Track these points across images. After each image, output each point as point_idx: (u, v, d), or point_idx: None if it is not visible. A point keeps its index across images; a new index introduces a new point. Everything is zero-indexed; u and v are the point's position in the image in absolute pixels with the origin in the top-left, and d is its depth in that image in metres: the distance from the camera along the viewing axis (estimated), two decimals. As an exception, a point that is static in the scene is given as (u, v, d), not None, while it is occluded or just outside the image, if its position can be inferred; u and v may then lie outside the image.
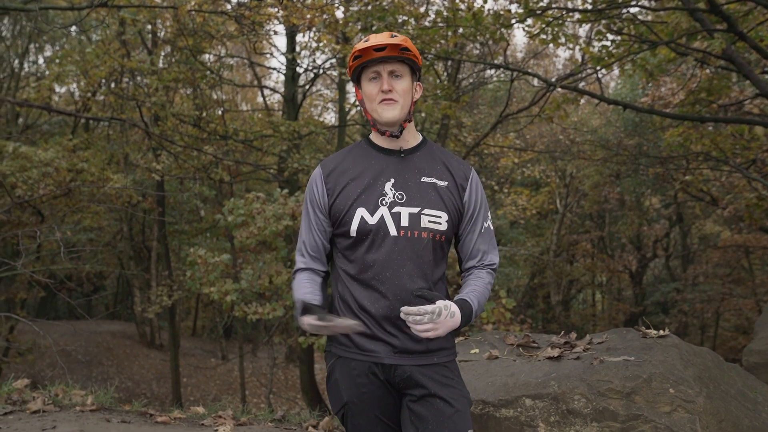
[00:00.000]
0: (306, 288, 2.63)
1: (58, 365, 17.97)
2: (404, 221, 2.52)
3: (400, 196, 2.55)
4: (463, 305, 2.51)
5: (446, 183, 2.63)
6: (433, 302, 2.42)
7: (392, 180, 2.58)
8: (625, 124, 18.92)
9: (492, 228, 2.76)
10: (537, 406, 3.50)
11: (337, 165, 2.67)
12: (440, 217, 2.57)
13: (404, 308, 2.37)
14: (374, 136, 2.71)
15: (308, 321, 2.40)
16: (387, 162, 2.63)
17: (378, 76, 2.57)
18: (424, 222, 2.54)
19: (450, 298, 2.71)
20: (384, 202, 2.54)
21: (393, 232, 2.51)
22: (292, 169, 15.34)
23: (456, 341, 4.68)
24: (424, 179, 2.61)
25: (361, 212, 2.53)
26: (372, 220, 2.52)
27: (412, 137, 2.70)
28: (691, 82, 11.19)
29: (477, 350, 4.39)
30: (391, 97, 2.55)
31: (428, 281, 2.56)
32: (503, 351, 4.30)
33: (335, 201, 2.59)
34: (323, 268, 2.73)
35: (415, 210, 2.54)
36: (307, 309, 2.47)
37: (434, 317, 2.36)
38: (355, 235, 2.54)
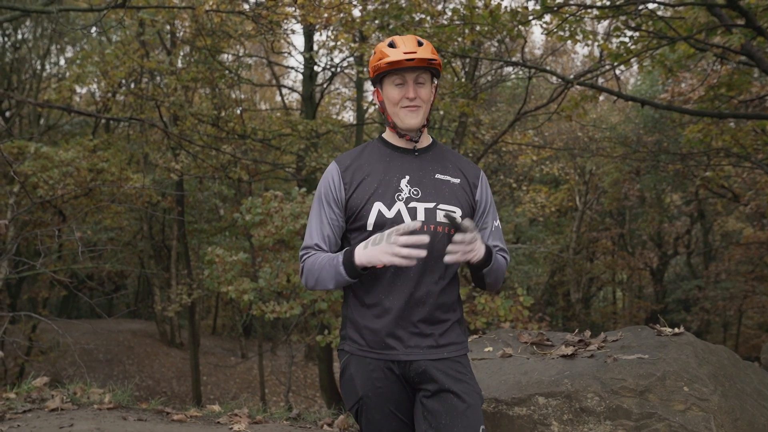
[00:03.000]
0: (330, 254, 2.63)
1: (78, 364, 18.15)
2: (420, 215, 2.56)
3: (415, 192, 2.59)
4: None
5: (459, 180, 2.69)
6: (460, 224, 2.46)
7: (407, 177, 2.62)
8: (645, 121, 18.78)
9: (500, 228, 2.80)
10: (550, 404, 3.49)
11: (352, 161, 2.70)
12: (455, 212, 2.60)
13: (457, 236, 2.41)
14: (389, 136, 2.75)
15: (398, 237, 2.36)
16: (402, 160, 2.68)
17: (404, 82, 2.60)
18: (440, 216, 2.58)
19: (461, 301, 2.73)
20: (400, 197, 2.58)
21: None
22: (310, 168, 15.38)
23: (470, 339, 4.68)
24: (439, 176, 2.66)
25: (378, 206, 2.56)
26: (389, 214, 2.55)
27: (425, 138, 2.76)
28: (711, 78, 11.08)
29: (491, 348, 4.38)
30: (416, 104, 2.61)
31: (443, 276, 2.59)
32: (517, 349, 4.29)
33: (352, 195, 2.61)
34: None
35: (431, 205, 2.58)
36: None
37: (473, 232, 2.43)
38: (371, 228, 2.56)
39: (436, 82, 2.72)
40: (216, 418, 5.03)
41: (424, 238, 2.37)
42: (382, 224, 2.54)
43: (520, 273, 23.17)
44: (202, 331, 27.58)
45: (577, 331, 4.40)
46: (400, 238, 2.34)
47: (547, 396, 3.51)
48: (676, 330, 3.93)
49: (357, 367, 2.61)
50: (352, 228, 2.64)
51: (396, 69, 2.58)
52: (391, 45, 2.58)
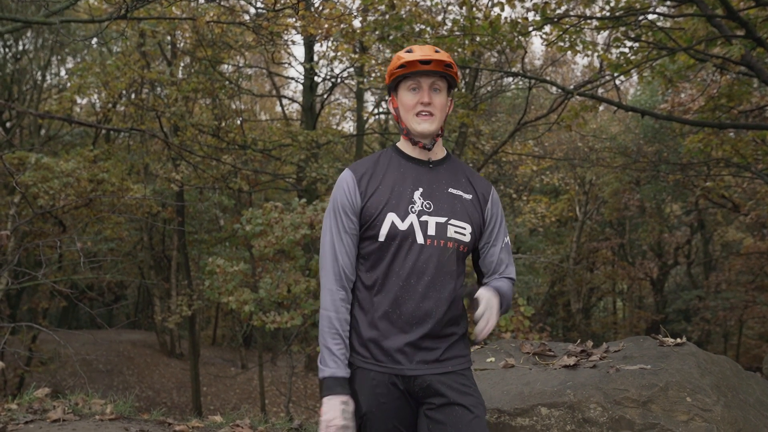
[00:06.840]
0: (343, 343, 2.58)
1: (79, 374, 18.12)
2: (431, 230, 2.53)
3: (428, 206, 2.56)
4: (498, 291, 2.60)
5: (470, 196, 2.66)
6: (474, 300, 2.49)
7: (421, 189, 2.59)
8: (645, 131, 18.82)
9: (510, 244, 2.78)
10: (553, 414, 3.48)
11: (367, 169, 2.66)
12: (465, 228, 2.59)
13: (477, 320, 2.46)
14: (403, 145, 2.72)
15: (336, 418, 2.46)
16: (416, 171, 2.64)
17: (418, 87, 2.59)
18: (450, 232, 2.56)
19: (465, 314, 2.72)
20: (413, 209, 2.54)
21: (420, 240, 2.52)
22: (311, 178, 15.40)
23: (471, 350, 4.67)
24: (451, 190, 2.63)
25: (391, 217, 2.53)
26: (402, 226, 2.52)
27: (440, 150, 2.73)
28: (711, 88, 11.11)
29: (493, 359, 4.38)
30: (429, 111, 2.58)
31: (450, 291, 2.57)
32: (519, 360, 4.28)
33: (367, 203, 2.57)
34: (351, 287, 2.65)
35: (442, 220, 2.56)
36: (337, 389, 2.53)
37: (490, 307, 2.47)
38: (383, 239, 2.53)
39: (451, 96, 2.70)
40: (218, 428, 5.02)
41: None
42: (394, 236, 2.52)
43: (520, 283, 23.15)
44: (202, 341, 27.54)
45: (579, 341, 4.39)
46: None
47: (550, 406, 3.50)
48: (678, 340, 3.93)
49: (361, 383, 2.57)
50: (364, 236, 2.60)
51: (411, 73, 2.56)
52: (409, 51, 2.57)
